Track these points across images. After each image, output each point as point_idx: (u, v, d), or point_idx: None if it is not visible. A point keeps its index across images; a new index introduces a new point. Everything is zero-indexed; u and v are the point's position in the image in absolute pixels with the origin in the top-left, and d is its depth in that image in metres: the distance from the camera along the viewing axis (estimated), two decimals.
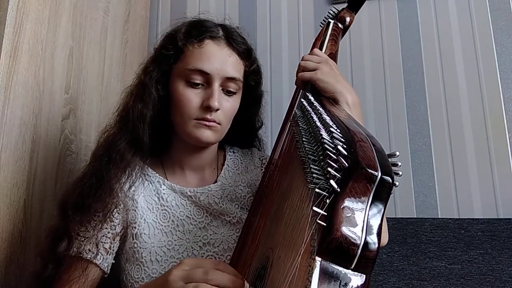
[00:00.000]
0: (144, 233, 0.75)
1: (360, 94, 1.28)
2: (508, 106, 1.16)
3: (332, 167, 0.36)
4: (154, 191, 0.80)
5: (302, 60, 0.79)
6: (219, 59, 0.77)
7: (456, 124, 1.19)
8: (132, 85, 0.83)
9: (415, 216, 1.16)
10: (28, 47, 0.90)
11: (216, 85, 0.76)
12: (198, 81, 0.76)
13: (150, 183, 0.81)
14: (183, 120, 0.77)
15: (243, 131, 0.91)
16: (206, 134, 0.76)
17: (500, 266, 1.01)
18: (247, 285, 0.51)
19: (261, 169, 0.90)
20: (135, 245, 0.74)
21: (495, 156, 1.14)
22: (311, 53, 0.81)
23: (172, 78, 0.79)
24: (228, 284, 0.50)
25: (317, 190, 0.36)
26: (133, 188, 0.78)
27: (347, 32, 1.32)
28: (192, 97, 0.76)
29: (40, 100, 0.94)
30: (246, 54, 0.83)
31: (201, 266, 0.53)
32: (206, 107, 0.75)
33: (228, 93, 0.79)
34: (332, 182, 0.35)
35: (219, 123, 0.77)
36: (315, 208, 0.35)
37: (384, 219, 0.77)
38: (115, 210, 0.75)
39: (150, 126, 0.78)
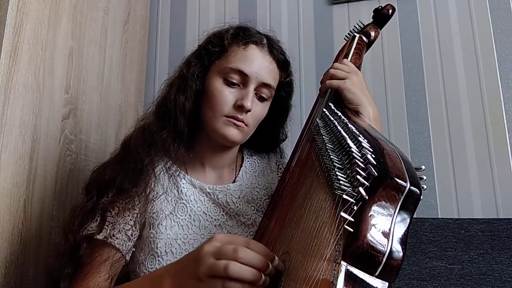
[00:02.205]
0: (161, 224, 0.76)
1: None
2: (508, 106, 1.16)
3: (360, 175, 0.37)
4: (174, 184, 0.81)
5: (331, 68, 0.82)
6: (259, 64, 0.80)
7: (456, 124, 1.19)
8: (172, 77, 0.86)
9: (415, 216, 1.16)
10: (28, 47, 0.90)
11: (252, 88, 0.79)
12: (235, 81, 0.79)
13: (171, 176, 0.82)
14: (214, 116, 0.79)
15: (267, 141, 0.93)
16: (232, 133, 0.78)
17: (500, 266, 1.01)
18: (277, 259, 0.50)
19: (277, 174, 0.92)
20: (151, 235, 0.75)
21: (495, 156, 1.14)
22: (341, 62, 0.84)
23: (210, 74, 0.82)
24: (257, 262, 0.50)
25: (344, 196, 0.37)
26: (154, 181, 0.80)
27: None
28: (227, 95, 0.78)
29: (40, 100, 0.94)
30: (284, 65, 0.87)
31: (232, 243, 0.52)
32: (239, 107, 0.77)
33: (260, 98, 0.82)
34: (361, 189, 0.35)
35: (246, 125, 0.79)
36: (343, 214, 0.35)
37: None
38: (136, 199, 0.76)
39: (188, 118, 0.80)
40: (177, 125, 0.79)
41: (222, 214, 0.81)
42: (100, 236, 0.73)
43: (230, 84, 0.79)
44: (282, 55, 0.86)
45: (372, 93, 1.28)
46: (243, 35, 0.82)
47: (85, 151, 1.10)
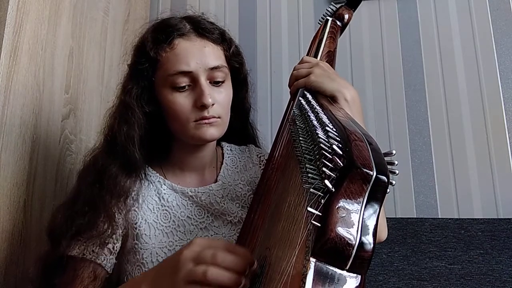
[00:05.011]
0: (145, 234, 0.74)
1: (360, 94, 1.27)
2: (508, 106, 1.16)
3: (327, 166, 0.36)
4: (154, 191, 0.79)
5: (293, 70, 0.79)
6: (195, 54, 0.75)
7: (456, 124, 1.19)
8: (113, 106, 0.81)
9: (415, 216, 1.16)
10: (28, 47, 0.90)
11: (203, 81, 0.74)
12: (183, 84, 0.74)
13: (151, 183, 0.80)
14: (182, 126, 0.75)
15: (236, 117, 0.88)
16: (210, 132, 0.75)
17: (500, 266, 1.01)
18: (256, 264, 0.51)
19: (260, 167, 0.89)
20: (136, 246, 0.74)
21: (495, 156, 1.14)
22: (300, 61, 0.81)
23: (157, 89, 0.77)
24: (236, 267, 0.49)
25: (311, 190, 0.36)
26: (134, 190, 0.77)
27: (347, 32, 1.33)
28: (183, 101, 0.74)
29: (40, 100, 0.94)
30: (220, 38, 0.80)
31: (212, 247, 0.52)
32: (201, 106, 0.73)
33: (217, 83, 0.77)
34: (326, 182, 0.35)
35: (218, 117, 0.76)
36: (309, 209, 0.35)
37: (383, 214, 0.76)
38: (117, 211, 0.74)
39: (140, 145, 0.76)
40: (125, 156, 0.75)
41: (207, 216, 0.79)
42: (75, 254, 0.71)
43: (179, 89, 0.74)
44: (213, 30, 0.79)
45: (372, 93, 1.29)
46: (162, 35, 0.76)
47: (85, 151, 1.10)
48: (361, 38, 1.32)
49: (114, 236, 0.74)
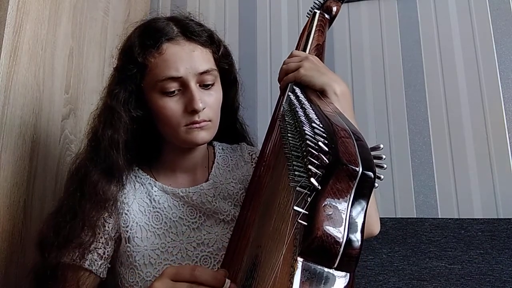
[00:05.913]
0: (137, 237, 0.74)
1: (360, 94, 1.28)
2: (508, 106, 1.16)
3: (313, 164, 0.35)
4: (145, 193, 0.79)
5: (283, 64, 0.78)
6: (184, 59, 0.73)
7: (456, 124, 1.19)
8: (98, 109, 0.80)
9: (415, 216, 1.16)
10: (28, 47, 0.91)
11: (193, 86, 0.73)
12: (173, 89, 0.73)
13: (142, 185, 0.80)
14: (173, 130, 0.75)
15: (225, 116, 0.86)
16: (201, 136, 0.75)
17: (500, 266, 1.01)
18: (227, 282, 0.52)
19: (252, 164, 0.89)
20: (128, 249, 0.73)
21: (495, 156, 1.14)
22: (290, 55, 0.80)
23: (146, 94, 0.76)
24: None
25: (298, 188, 0.36)
26: (124, 192, 0.77)
27: (347, 32, 1.33)
28: (173, 106, 0.74)
29: (40, 100, 0.94)
30: (209, 41, 0.79)
31: (181, 274, 0.53)
32: (192, 111, 0.73)
33: (206, 86, 0.76)
34: (312, 180, 0.34)
35: (209, 120, 0.75)
36: (295, 207, 0.34)
37: (376, 208, 0.75)
38: (106, 215, 0.74)
39: (125, 149, 0.75)
40: (108, 161, 0.74)
41: (200, 216, 0.78)
42: (65, 260, 0.71)
43: (169, 94, 0.73)
44: (201, 32, 0.78)
45: (372, 93, 1.29)
46: (150, 40, 0.74)
47: None
48: (361, 38, 1.32)
49: (103, 241, 0.74)
